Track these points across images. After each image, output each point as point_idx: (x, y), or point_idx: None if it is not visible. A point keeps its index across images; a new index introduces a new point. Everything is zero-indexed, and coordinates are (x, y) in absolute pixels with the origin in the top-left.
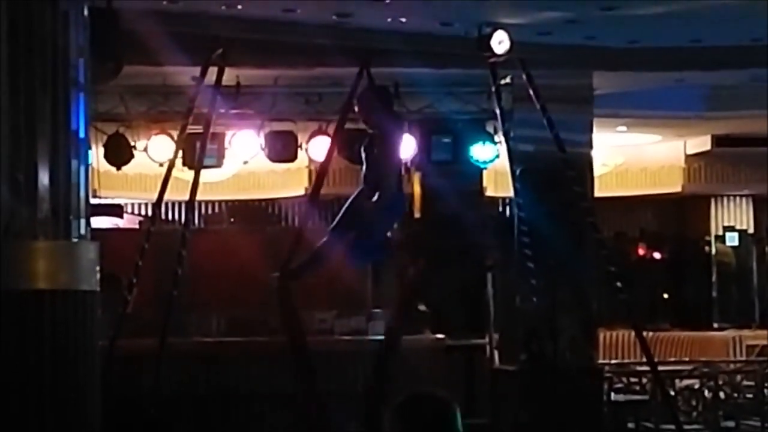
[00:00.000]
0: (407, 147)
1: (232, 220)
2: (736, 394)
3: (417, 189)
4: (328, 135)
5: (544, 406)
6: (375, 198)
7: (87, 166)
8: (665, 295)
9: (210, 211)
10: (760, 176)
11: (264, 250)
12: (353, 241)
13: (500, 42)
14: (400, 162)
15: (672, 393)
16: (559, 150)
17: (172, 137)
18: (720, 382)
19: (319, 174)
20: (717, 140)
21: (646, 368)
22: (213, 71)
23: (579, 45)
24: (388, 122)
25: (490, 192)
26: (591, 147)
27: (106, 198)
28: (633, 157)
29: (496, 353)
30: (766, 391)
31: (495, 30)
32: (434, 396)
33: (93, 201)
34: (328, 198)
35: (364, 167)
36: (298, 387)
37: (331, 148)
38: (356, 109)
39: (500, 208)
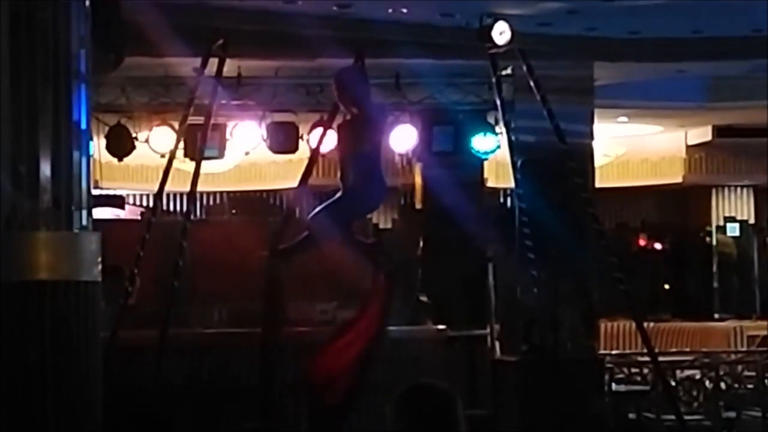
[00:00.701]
0: (387, 132)
1: (233, 211)
2: (737, 385)
3: (418, 180)
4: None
5: (545, 396)
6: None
7: (88, 157)
8: (666, 286)
9: (211, 203)
10: (760, 167)
11: (265, 241)
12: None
13: (501, 33)
14: (375, 146)
15: (673, 383)
16: (560, 141)
17: (173, 128)
18: (721, 373)
19: (310, 160)
20: (718, 131)
21: (647, 359)
22: (214, 62)
23: (580, 36)
24: (363, 103)
25: (491, 183)
26: (592, 138)
27: (107, 189)
28: (634, 147)
29: (497, 344)
30: (766, 381)
31: (496, 21)
32: (435, 387)
33: (95, 192)
34: (328, 189)
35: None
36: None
37: (322, 137)
38: (334, 88)
39: (501, 199)
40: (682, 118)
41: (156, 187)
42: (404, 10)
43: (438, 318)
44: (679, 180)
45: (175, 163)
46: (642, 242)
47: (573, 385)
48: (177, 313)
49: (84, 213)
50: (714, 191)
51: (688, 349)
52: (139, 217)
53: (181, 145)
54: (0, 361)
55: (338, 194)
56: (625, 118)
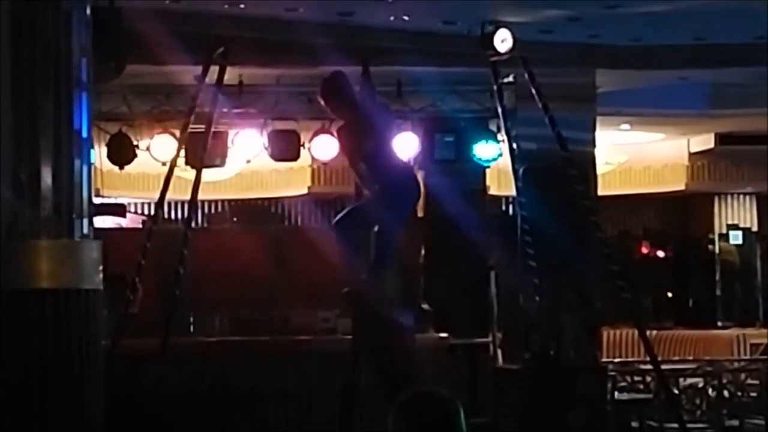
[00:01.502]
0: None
1: (234, 219)
2: (740, 393)
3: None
4: (332, 134)
5: (547, 404)
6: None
7: (90, 165)
8: (669, 294)
9: (213, 211)
10: (763, 174)
11: (266, 249)
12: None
13: (503, 40)
14: (379, 146)
15: (676, 392)
16: (562, 149)
17: (174, 136)
18: (724, 381)
19: None
20: (720, 138)
21: (649, 367)
22: (215, 70)
23: (582, 43)
24: (352, 106)
25: (493, 191)
26: (594, 145)
27: (109, 197)
28: (636, 155)
29: (499, 352)
30: None
31: (498, 28)
32: (438, 394)
33: (96, 200)
34: (330, 197)
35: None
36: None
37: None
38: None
39: (503, 207)
40: (685, 126)
41: (157, 196)
42: (406, 18)
43: (440, 326)
44: (682, 188)
45: (177, 172)
46: (644, 250)
47: (575, 393)
48: (178, 320)
49: (85, 221)
50: (717, 199)
51: (690, 357)
52: (140, 226)
53: (183, 153)
54: (1, 369)
55: (364, 201)
56: (627, 126)
